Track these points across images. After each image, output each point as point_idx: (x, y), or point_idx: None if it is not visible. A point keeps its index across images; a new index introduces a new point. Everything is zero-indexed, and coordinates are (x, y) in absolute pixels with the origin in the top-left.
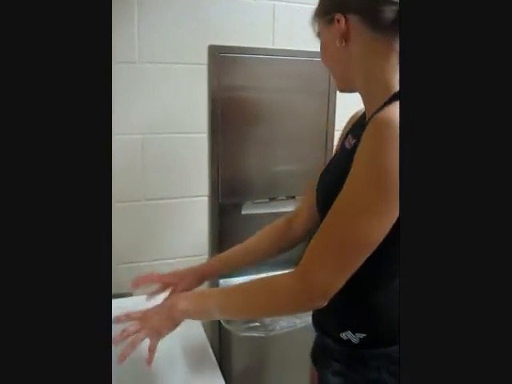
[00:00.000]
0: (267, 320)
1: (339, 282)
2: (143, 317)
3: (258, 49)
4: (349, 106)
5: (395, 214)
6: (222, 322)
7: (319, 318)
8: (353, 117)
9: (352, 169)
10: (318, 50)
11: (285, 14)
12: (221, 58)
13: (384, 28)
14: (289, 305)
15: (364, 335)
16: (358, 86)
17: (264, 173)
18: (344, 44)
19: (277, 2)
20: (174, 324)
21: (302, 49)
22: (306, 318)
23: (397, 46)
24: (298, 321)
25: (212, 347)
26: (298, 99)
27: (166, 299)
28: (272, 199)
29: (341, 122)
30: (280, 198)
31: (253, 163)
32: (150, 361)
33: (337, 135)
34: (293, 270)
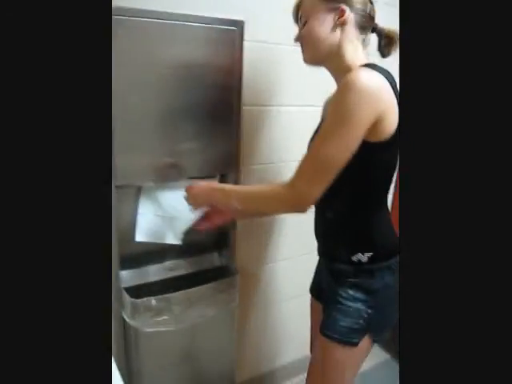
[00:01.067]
0: (175, 311)
1: (317, 192)
2: (193, 193)
3: (160, 12)
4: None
5: (354, 141)
6: (126, 318)
7: (330, 249)
8: (329, 97)
9: (326, 117)
10: (227, 17)
11: None
12: (117, 21)
13: (365, 29)
14: (280, 207)
15: (371, 253)
16: (329, 63)
17: (166, 152)
18: (338, 31)
19: None
20: (213, 203)
21: (211, 15)
22: (218, 307)
23: (363, 43)
24: (209, 310)
25: (118, 345)
26: (202, 70)
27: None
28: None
29: (251, 95)
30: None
31: (153, 143)
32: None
33: (246, 109)
34: (289, 180)
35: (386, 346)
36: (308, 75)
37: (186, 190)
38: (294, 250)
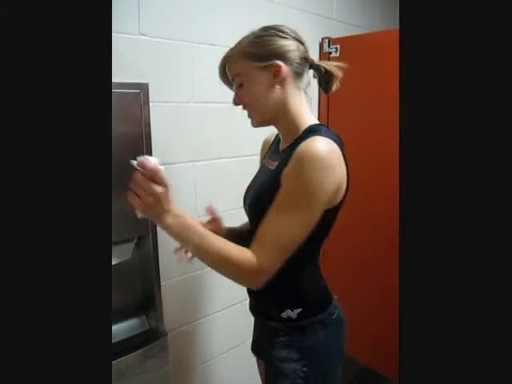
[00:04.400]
0: None
1: (277, 268)
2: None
3: None
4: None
5: (318, 214)
6: None
7: (260, 307)
8: (265, 141)
9: (282, 187)
10: (125, 80)
11: None
12: None
13: (301, 77)
14: (238, 278)
15: (300, 309)
16: (277, 122)
17: None
18: (277, 87)
19: None
20: (155, 220)
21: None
22: (151, 373)
23: (304, 86)
24: (141, 378)
25: None
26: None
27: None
28: None
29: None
30: None
31: None
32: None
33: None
34: (254, 252)
35: None
36: (216, 129)
37: (137, 185)
38: (226, 300)
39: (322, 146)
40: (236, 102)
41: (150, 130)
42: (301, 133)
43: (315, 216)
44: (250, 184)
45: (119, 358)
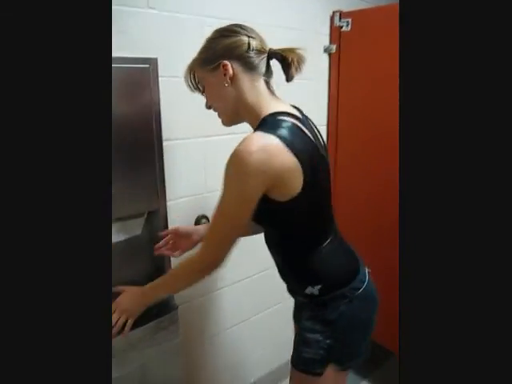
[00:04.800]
0: (118, 356)
1: (224, 256)
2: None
3: None
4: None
5: (246, 212)
6: None
7: (289, 285)
8: None
9: None
10: (134, 55)
11: None
12: None
13: (256, 69)
14: (198, 275)
15: (320, 285)
16: (243, 118)
17: None
18: (230, 85)
19: None
20: (143, 307)
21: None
22: (161, 346)
23: (263, 78)
24: (152, 350)
25: None
26: (119, 110)
27: None
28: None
29: (171, 129)
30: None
31: None
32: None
33: (168, 144)
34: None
35: None
36: None
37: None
38: (234, 275)
39: (253, 146)
40: (208, 106)
41: (159, 105)
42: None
43: (243, 212)
44: None
45: (131, 330)
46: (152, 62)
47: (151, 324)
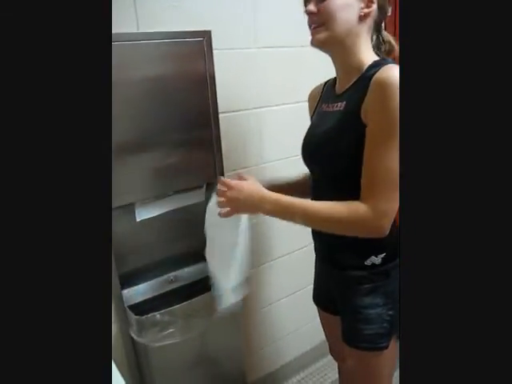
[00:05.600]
0: (180, 323)
1: (395, 210)
2: (234, 196)
3: (121, 34)
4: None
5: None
6: (133, 335)
7: (338, 258)
8: (312, 94)
9: (370, 123)
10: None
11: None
12: None
13: (378, 28)
14: (360, 232)
15: (384, 254)
16: (340, 54)
17: (151, 169)
18: (359, 18)
19: None
20: (254, 213)
21: (169, 30)
22: (222, 313)
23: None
24: (213, 317)
25: (129, 363)
26: (175, 85)
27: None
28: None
29: (226, 101)
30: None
31: (136, 160)
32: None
33: (223, 117)
34: (365, 201)
35: None
36: (279, 74)
37: (221, 193)
38: (287, 247)
39: (397, 77)
40: (308, 11)
41: (214, 77)
42: (364, 70)
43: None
44: (309, 132)
45: (193, 297)
46: (206, 35)
47: (209, 293)
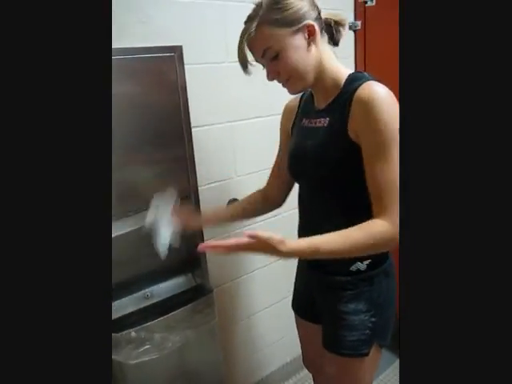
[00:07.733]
0: (157, 339)
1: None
2: (252, 244)
3: None
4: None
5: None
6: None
7: (323, 264)
8: (288, 107)
9: (364, 139)
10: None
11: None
12: None
13: (323, 28)
14: (387, 248)
15: (369, 260)
16: (316, 82)
17: (124, 184)
18: (314, 47)
19: None
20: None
21: (139, 45)
22: (198, 327)
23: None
24: (189, 332)
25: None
26: (146, 101)
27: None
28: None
29: (199, 115)
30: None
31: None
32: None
33: (196, 131)
34: (379, 217)
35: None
36: (252, 88)
37: (246, 245)
38: (264, 259)
39: (382, 88)
40: (272, 77)
41: (186, 92)
42: (342, 85)
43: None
44: (295, 146)
45: (169, 312)
46: (177, 50)
47: (188, 306)
